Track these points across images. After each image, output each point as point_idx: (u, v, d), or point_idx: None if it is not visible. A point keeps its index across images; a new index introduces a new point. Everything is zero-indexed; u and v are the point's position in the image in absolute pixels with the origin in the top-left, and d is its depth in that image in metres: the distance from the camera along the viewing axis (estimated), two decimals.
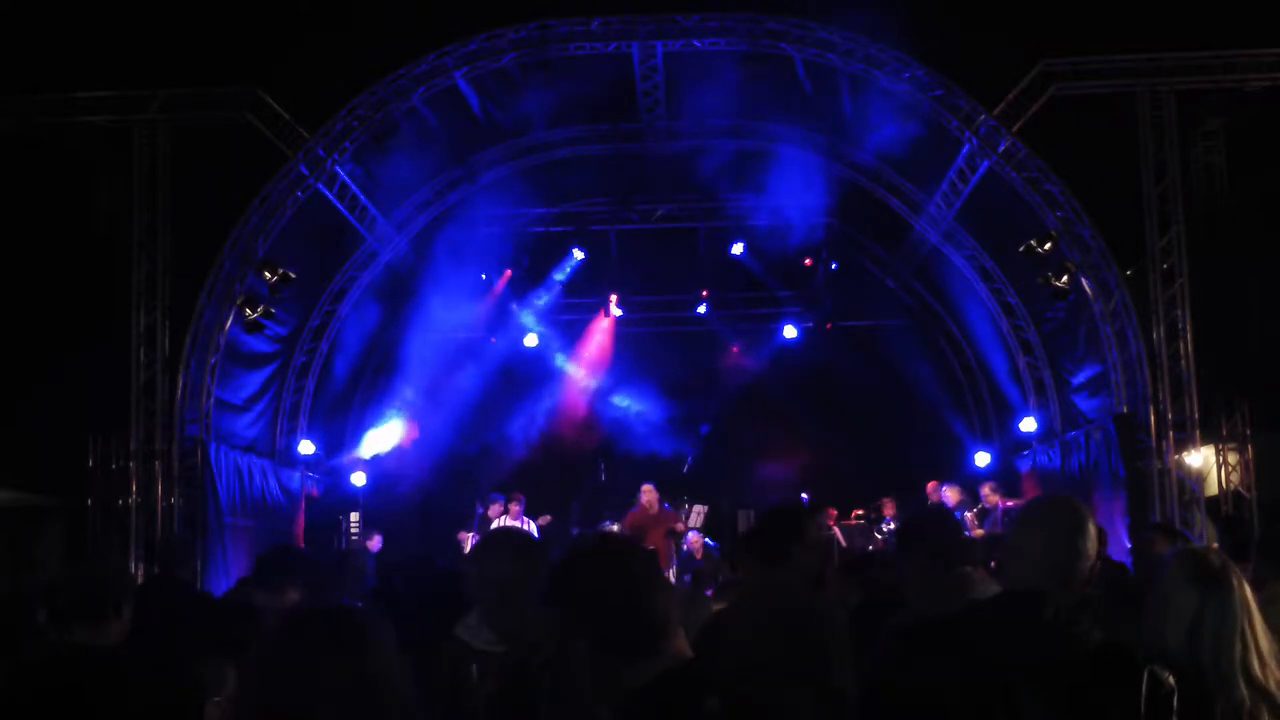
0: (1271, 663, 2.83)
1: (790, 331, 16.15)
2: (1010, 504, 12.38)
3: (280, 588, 4.61)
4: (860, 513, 13.76)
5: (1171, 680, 2.50)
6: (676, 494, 13.81)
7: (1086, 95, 12.51)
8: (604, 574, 2.20)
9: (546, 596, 2.30)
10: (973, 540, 10.17)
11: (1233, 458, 12.92)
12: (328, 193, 13.19)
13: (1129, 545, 11.15)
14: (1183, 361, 12.38)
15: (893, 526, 12.92)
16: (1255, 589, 5.03)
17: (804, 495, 13.89)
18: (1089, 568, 2.73)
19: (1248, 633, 2.83)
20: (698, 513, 13.64)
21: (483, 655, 3.08)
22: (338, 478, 15.71)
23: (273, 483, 14.24)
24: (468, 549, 12.80)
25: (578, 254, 15.83)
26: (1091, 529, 2.75)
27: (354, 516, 14.81)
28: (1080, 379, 13.77)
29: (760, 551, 3.80)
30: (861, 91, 13.02)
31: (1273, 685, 2.78)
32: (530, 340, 16.26)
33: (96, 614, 3.62)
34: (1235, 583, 2.90)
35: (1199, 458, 12.60)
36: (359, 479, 15.29)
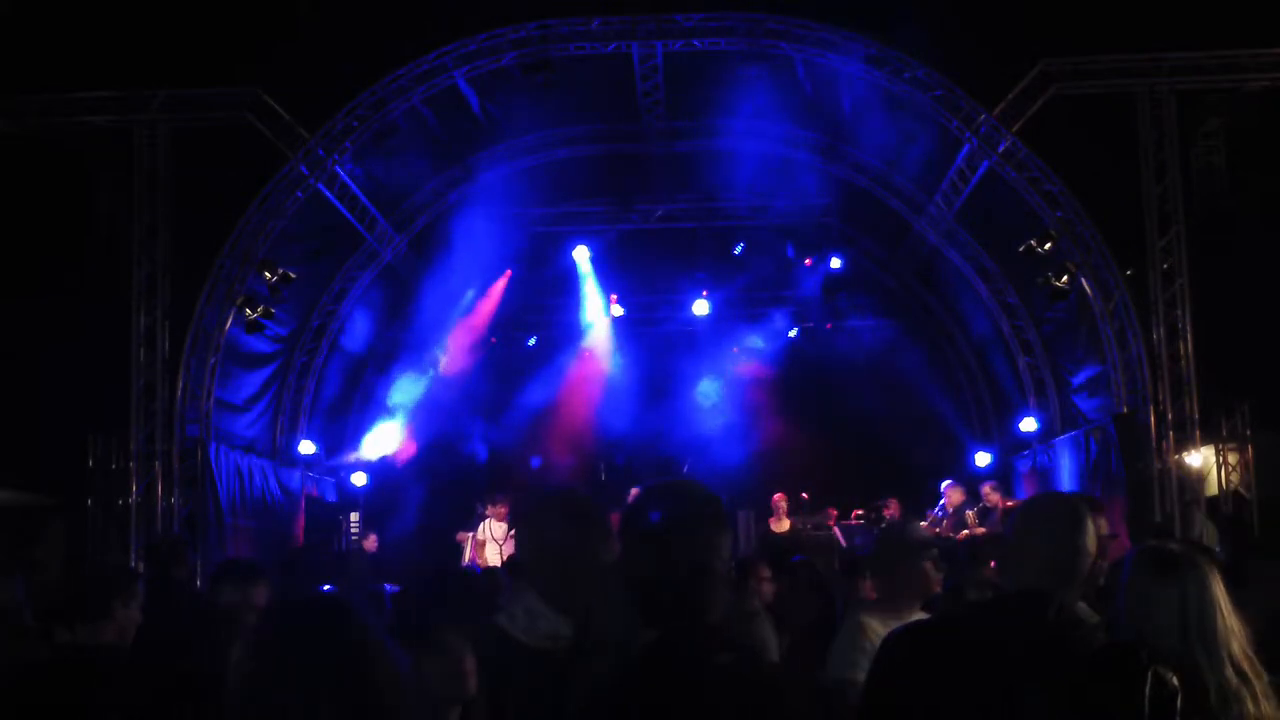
0: (1246, 642, 2.86)
1: (791, 331, 16.16)
2: (1011, 504, 12.35)
3: (250, 585, 4.40)
4: (860, 513, 13.72)
5: (1175, 681, 2.49)
6: None
7: (1086, 95, 12.51)
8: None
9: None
10: None
11: (1233, 458, 12.91)
12: (328, 193, 13.19)
13: (1129, 545, 11.13)
14: (1183, 361, 12.36)
15: None
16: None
17: (803, 495, 13.88)
18: (1090, 565, 2.73)
19: (1226, 614, 2.85)
20: None
21: (518, 646, 2.71)
22: (338, 478, 15.72)
23: (273, 483, 14.22)
24: (467, 549, 12.79)
25: (578, 253, 15.81)
26: (1091, 526, 2.74)
27: (354, 516, 14.81)
28: (1080, 379, 13.76)
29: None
30: (861, 91, 13.02)
31: (1246, 665, 2.81)
32: (530, 340, 16.27)
33: (94, 614, 3.63)
34: (1206, 567, 2.91)
35: (1199, 458, 12.59)
36: (359, 479, 15.30)
